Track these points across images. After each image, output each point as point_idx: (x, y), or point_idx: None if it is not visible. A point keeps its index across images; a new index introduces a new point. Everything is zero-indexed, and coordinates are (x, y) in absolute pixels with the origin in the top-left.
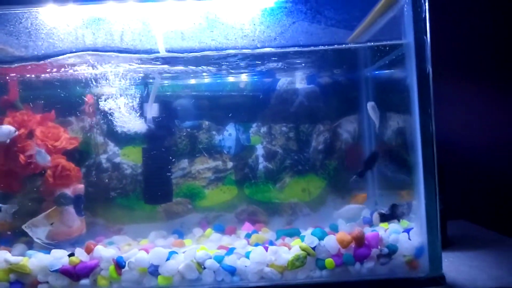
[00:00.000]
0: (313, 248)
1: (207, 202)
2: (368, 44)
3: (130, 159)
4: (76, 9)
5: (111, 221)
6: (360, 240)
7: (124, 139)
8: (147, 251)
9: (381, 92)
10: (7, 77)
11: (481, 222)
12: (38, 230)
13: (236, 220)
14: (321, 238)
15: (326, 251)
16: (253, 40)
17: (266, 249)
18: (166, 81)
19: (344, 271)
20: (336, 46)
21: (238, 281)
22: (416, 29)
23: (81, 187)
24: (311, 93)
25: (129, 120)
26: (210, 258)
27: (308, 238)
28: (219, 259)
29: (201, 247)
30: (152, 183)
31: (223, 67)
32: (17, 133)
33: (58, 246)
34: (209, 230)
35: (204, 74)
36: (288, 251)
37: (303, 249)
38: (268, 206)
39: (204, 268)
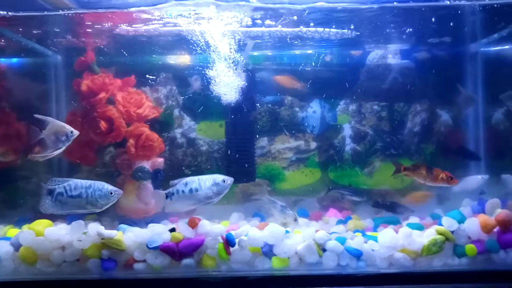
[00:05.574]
0: (452, 232)
1: (287, 185)
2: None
3: (206, 134)
4: None
5: None
6: (507, 224)
7: (201, 113)
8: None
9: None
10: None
11: None
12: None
13: (317, 206)
14: (460, 221)
15: (465, 236)
16: None
17: (397, 232)
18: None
19: (487, 259)
20: None
21: (364, 267)
22: None
23: (160, 161)
24: (406, 69)
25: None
26: (331, 239)
27: (446, 221)
28: (342, 241)
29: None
30: (235, 160)
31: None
32: None
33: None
34: None
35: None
36: (422, 235)
37: (440, 233)
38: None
39: (325, 250)
